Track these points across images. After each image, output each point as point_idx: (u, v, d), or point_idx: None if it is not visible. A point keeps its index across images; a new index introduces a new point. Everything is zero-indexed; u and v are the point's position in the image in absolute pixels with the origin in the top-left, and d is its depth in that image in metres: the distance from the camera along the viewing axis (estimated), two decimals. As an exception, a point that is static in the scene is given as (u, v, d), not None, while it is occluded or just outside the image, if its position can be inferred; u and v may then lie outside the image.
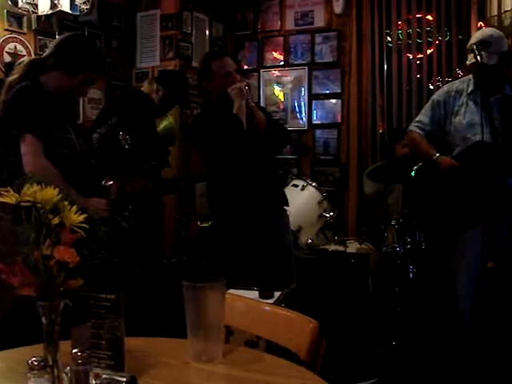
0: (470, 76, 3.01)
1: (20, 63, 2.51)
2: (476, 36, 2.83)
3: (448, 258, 2.98)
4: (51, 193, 1.05)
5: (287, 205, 3.21)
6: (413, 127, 3.14)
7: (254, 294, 2.58)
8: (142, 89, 3.70)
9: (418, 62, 4.97)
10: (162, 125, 4.09)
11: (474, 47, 2.68)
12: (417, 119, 3.16)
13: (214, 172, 3.17)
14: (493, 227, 2.70)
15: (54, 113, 2.43)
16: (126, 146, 3.10)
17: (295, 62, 5.36)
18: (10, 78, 2.45)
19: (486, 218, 2.71)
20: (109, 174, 2.85)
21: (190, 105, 4.76)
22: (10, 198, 1.03)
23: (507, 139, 2.69)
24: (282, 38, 5.40)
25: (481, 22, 4.56)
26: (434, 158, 2.96)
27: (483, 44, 2.69)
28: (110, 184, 2.83)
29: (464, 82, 3.00)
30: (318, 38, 5.22)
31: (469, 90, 2.93)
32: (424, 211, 3.18)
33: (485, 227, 2.63)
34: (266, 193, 3.10)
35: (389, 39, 5.06)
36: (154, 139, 3.66)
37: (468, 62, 2.86)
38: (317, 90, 5.25)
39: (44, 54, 2.56)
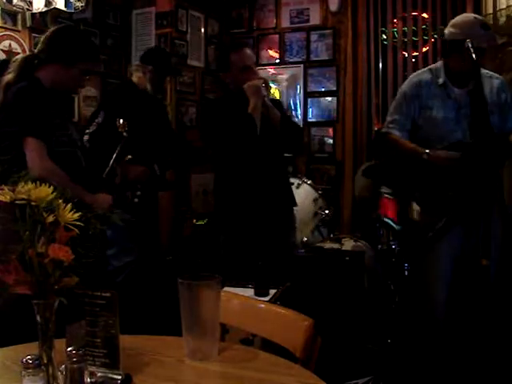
0: (437, 65, 2.82)
1: (14, 61, 2.48)
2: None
3: (423, 261, 2.92)
4: (46, 191, 1.05)
5: (295, 205, 3.22)
6: (389, 129, 2.87)
7: (249, 292, 2.58)
8: (133, 78, 3.68)
9: (413, 60, 4.98)
10: None
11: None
12: (391, 119, 2.87)
13: (222, 167, 3.11)
14: (485, 225, 2.68)
15: (54, 111, 2.43)
16: (125, 134, 3.08)
17: (290, 60, 5.36)
18: (7, 77, 2.42)
19: (477, 215, 2.67)
20: (113, 160, 2.88)
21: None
22: (4, 195, 1.03)
23: (482, 135, 2.49)
24: (277, 36, 5.40)
25: (476, 20, 4.56)
26: (425, 156, 2.69)
27: None
28: (115, 167, 2.88)
29: (429, 72, 2.80)
30: (314, 36, 5.22)
31: (439, 82, 2.75)
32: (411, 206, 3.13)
33: (479, 224, 2.61)
34: (277, 193, 3.07)
35: (384, 37, 5.06)
36: (154, 125, 3.64)
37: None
38: (312, 87, 5.25)
39: (36, 50, 2.55)
